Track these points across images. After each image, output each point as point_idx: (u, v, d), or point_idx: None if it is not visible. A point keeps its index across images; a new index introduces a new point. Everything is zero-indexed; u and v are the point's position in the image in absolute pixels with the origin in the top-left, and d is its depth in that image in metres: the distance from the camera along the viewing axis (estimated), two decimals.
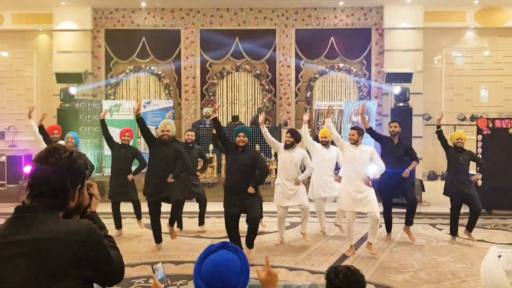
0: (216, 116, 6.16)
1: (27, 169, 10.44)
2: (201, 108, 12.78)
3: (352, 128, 6.40)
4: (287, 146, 6.51)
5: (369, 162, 6.17)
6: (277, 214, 6.70)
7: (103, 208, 8.73)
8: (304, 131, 6.86)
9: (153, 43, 13.06)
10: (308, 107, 13.06)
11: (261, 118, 6.59)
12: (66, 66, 12.46)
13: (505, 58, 13.36)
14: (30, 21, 13.02)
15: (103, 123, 7.08)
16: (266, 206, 7.64)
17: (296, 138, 6.54)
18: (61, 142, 7.43)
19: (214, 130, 6.29)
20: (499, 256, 2.09)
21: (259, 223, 7.60)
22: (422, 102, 12.80)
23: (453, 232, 6.87)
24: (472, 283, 5.09)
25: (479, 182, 7.23)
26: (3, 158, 11.53)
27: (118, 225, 7.37)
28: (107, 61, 13.21)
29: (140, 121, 6.16)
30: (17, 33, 13.19)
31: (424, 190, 9.92)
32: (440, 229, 7.64)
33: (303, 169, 6.81)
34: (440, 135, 6.93)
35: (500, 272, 2.01)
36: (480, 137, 9.02)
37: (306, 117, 6.97)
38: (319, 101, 12.53)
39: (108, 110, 10.76)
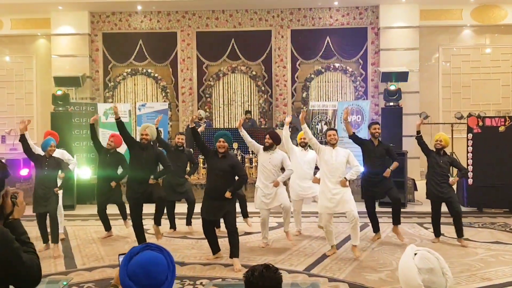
0: (194, 126, 6.15)
1: (24, 172, 10.62)
2: (198, 110, 12.87)
3: (331, 129, 6.42)
4: (266, 148, 6.54)
5: (345, 163, 6.19)
6: (260, 217, 6.74)
7: (90, 210, 8.89)
8: (285, 132, 6.87)
9: (150, 46, 13.21)
10: (304, 107, 13.08)
11: (288, 118, 6.86)
12: (65, 70, 12.67)
13: (503, 55, 13.28)
14: (28, 26, 13.24)
15: (92, 127, 7.07)
16: (251, 207, 7.69)
17: (275, 140, 6.56)
18: (57, 150, 7.40)
19: (194, 138, 6.27)
20: (415, 254, 2.12)
21: (246, 223, 7.72)
22: (418, 101, 12.78)
23: (436, 234, 6.87)
24: None
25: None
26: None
27: (107, 227, 7.47)
28: (105, 64, 13.38)
29: (119, 124, 6.24)
30: (16, 38, 13.42)
31: (416, 189, 9.89)
32: (427, 228, 7.61)
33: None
34: (419, 140, 6.92)
35: (413, 269, 2.04)
36: (470, 135, 8.97)
37: (288, 118, 6.99)
38: (314, 101, 12.54)
39: (103, 113, 10.88)
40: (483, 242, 6.79)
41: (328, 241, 6.28)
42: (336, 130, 6.39)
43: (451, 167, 7.16)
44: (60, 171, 6.60)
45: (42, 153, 6.60)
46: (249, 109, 12.76)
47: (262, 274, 2.13)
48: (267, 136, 6.61)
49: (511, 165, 8.72)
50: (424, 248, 2.17)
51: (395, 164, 6.77)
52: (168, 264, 1.90)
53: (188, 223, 7.75)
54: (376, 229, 7.03)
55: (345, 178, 6.10)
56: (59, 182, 6.63)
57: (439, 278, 2.02)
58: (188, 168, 8.05)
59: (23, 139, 6.39)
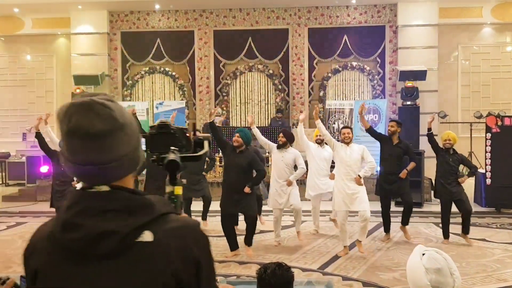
0: (213, 120, 6.24)
1: (44, 169, 10.83)
2: (215, 107, 12.95)
3: (345, 127, 6.42)
4: (279, 146, 6.57)
5: (361, 160, 6.19)
6: (273, 216, 6.77)
7: None
8: (300, 130, 6.89)
9: (167, 44, 13.31)
10: (322, 106, 13.04)
11: (302, 116, 6.96)
12: (84, 69, 12.86)
13: None
14: (49, 25, 13.48)
15: None
16: (264, 206, 7.72)
17: (288, 138, 6.58)
18: None
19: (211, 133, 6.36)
20: (423, 254, 2.13)
21: (258, 220, 7.73)
22: (437, 100, 12.64)
23: (445, 235, 6.79)
24: (462, 282, 5.03)
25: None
26: (23, 159, 11.99)
27: None
28: (123, 63, 13.53)
29: None
30: (37, 37, 13.65)
31: (433, 189, 9.79)
32: None
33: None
34: (430, 138, 6.84)
35: (420, 269, 2.05)
36: (489, 135, 8.86)
37: (302, 116, 7.02)
38: (330, 100, 12.50)
39: None
40: (500, 243, 6.71)
41: (342, 241, 6.28)
42: (351, 128, 6.40)
43: (460, 166, 7.04)
44: None
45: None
46: (279, 108, 12.57)
47: (275, 271, 2.17)
48: (281, 134, 6.65)
49: None
50: (432, 248, 2.17)
51: (411, 165, 6.71)
52: None
53: (204, 218, 7.81)
54: (387, 229, 6.99)
55: (359, 175, 6.09)
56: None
57: (446, 278, 2.03)
58: (205, 166, 8.12)
59: (38, 136, 6.60)
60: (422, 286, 2.01)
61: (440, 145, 6.87)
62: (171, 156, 1.30)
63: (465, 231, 6.67)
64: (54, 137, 7.52)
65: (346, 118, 11.64)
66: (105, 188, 1.15)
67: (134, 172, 1.22)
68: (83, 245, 1.10)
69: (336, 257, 6.09)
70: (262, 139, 6.65)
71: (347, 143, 6.21)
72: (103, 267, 1.11)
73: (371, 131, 6.91)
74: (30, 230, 6.49)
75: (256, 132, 6.56)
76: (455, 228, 6.91)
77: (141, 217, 1.13)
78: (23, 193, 10.90)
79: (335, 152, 6.30)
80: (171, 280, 1.13)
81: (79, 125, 1.11)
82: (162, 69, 13.43)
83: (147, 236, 1.12)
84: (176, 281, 1.13)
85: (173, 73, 13.41)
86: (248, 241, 6.11)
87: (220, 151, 8.36)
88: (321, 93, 13.23)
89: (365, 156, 6.18)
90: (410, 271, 2.14)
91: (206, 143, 1.49)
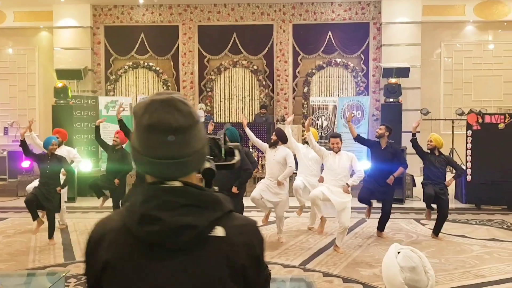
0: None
1: (26, 164, 10.69)
2: (199, 103, 12.90)
3: (334, 137, 6.43)
4: (271, 145, 6.58)
5: (349, 168, 6.22)
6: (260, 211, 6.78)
7: (91, 203, 8.96)
8: (287, 132, 6.89)
9: (151, 39, 13.21)
10: (305, 102, 13.08)
11: (289, 119, 7.01)
12: (67, 63, 12.70)
13: (506, 52, 13.21)
14: (31, 18, 13.27)
15: (97, 129, 7.30)
16: (247, 201, 7.69)
17: (280, 137, 6.58)
18: (64, 148, 7.60)
19: None
20: (398, 253, 2.16)
21: None
22: (420, 97, 12.76)
23: (430, 207, 6.77)
24: (440, 278, 5.11)
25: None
26: (5, 154, 11.81)
27: (100, 195, 7.63)
28: (106, 57, 13.40)
29: (120, 123, 6.44)
30: (19, 31, 13.44)
31: (415, 185, 9.90)
32: (424, 224, 7.65)
33: None
34: (414, 143, 6.88)
35: (395, 267, 2.07)
36: (470, 132, 8.98)
37: (289, 118, 7.05)
38: (314, 97, 12.54)
39: (104, 106, 10.92)
40: (479, 239, 6.82)
41: (317, 212, 6.31)
42: (339, 137, 6.41)
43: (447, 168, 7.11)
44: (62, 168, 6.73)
45: (45, 151, 6.78)
46: (264, 104, 12.51)
47: None
48: (274, 133, 6.68)
49: (510, 162, 8.74)
50: (407, 247, 2.20)
51: (399, 171, 6.69)
52: None
53: None
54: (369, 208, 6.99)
55: (347, 183, 6.13)
56: (62, 179, 6.73)
57: (421, 276, 2.05)
58: None
59: (23, 145, 6.58)
60: (397, 284, 2.04)
61: (425, 148, 6.93)
62: (207, 165, 1.33)
63: (436, 232, 6.75)
64: (39, 142, 7.61)
65: (329, 115, 11.68)
66: (178, 183, 1.20)
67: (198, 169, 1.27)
68: (161, 238, 1.14)
69: (317, 253, 6.13)
70: (254, 139, 6.68)
71: (336, 152, 6.27)
72: (177, 260, 1.15)
73: (359, 139, 6.89)
74: (12, 226, 6.42)
75: (249, 133, 6.60)
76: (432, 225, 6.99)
77: (213, 212, 1.19)
78: (4, 188, 10.77)
79: (324, 160, 6.36)
80: (239, 275, 1.18)
81: (162, 119, 1.16)
82: (146, 64, 13.32)
83: (219, 231, 1.18)
84: (243, 276, 1.19)
85: (157, 68, 13.31)
86: None
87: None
88: (305, 89, 13.26)
89: (353, 165, 6.22)
90: (385, 270, 2.16)
91: (236, 152, 1.52)
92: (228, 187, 5.80)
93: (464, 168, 9.11)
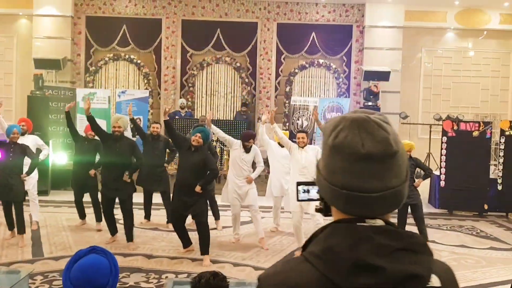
0: (167, 119, 6.15)
1: None
2: (180, 99, 12.81)
3: (300, 132, 6.46)
4: (247, 150, 6.50)
5: (316, 161, 6.24)
6: (231, 212, 6.76)
7: (64, 197, 8.87)
8: (261, 130, 6.88)
9: (133, 31, 13.06)
10: (287, 101, 13.11)
11: (264, 117, 6.84)
12: (46, 52, 12.49)
13: (484, 59, 13.43)
14: (10, 5, 12.98)
15: (68, 115, 6.82)
16: (220, 200, 7.67)
17: (253, 137, 6.61)
18: (29, 137, 7.32)
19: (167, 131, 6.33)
20: None
21: (216, 225, 7.46)
22: (399, 101, 12.91)
23: None
24: None
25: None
26: None
27: (82, 215, 7.45)
28: (87, 48, 13.21)
29: (89, 120, 6.22)
30: None
31: None
32: None
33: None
34: None
35: None
36: (445, 139, 9.11)
37: (264, 116, 7.01)
38: (295, 97, 12.56)
39: (82, 98, 10.77)
40: (448, 245, 6.94)
41: (297, 241, 6.27)
42: (306, 133, 6.44)
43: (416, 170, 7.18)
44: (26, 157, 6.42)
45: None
46: (245, 102, 12.41)
47: (209, 281, 2.17)
48: (251, 140, 6.53)
49: (482, 169, 8.92)
50: None
51: None
52: (111, 268, 1.94)
53: (168, 220, 7.33)
54: None
55: (314, 178, 6.13)
56: (25, 169, 6.42)
57: None
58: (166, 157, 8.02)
59: None
60: None
61: None
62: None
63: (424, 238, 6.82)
64: (5, 125, 7.10)
65: (310, 115, 11.72)
66: (380, 222, 1.01)
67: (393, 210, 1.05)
68: None
69: (290, 256, 6.16)
70: (222, 135, 6.60)
71: (302, 147, 6.27)
72: None
73: None
74: None
75: (216, 130, 6.52)
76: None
77: (427, 257, 1.01)
78: None
79: (291, 155, 6.35)
80: None
81: (345, 142, 1.02)
82: (127, 56, 13.18)
83: (435, 280, 1.00)
84: None
85: (138, 61, 13.19)
86: (203, 249, 5.85)
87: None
88: (287, 89, 13.29)
89: (318, 158, 6.22)
90: None
91: None
92: (191, 186, 5.73)
93: (439, 173, 9.26)
